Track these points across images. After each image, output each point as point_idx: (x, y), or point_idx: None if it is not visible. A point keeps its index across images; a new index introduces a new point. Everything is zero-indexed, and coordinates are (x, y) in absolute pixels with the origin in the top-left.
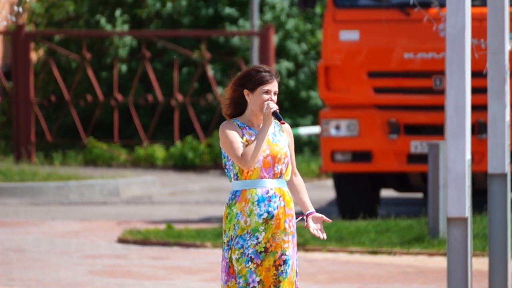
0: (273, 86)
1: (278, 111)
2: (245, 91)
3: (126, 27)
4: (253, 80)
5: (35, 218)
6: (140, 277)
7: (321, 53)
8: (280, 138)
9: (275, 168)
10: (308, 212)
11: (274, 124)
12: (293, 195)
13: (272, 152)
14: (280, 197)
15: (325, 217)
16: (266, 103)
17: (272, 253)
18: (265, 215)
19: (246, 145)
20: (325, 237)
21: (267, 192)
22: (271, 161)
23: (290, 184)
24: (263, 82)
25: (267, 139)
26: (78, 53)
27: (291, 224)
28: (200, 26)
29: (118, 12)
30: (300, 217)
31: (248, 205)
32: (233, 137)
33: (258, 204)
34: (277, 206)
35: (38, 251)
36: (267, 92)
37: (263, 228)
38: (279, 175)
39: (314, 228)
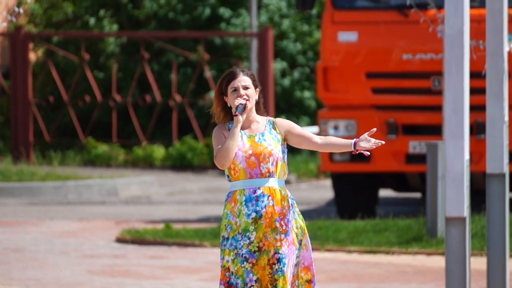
0: (240, 81)
1: (242, 104)
2: (225, 98)
3: (114, 27)
4: (223, 84)
5: (33, 218)
6: (138, 277)
7: (320, 54)
8: (268, 136)
9: (261, 168)
10: (353, 144)
11: (266, 123)
12: (333, 151)
13: (255, 152)
14: (269, 196)
15: (366, 134)
16: (234, 101)
17: (266, 252)
18: (253, 214)
19: None
20: (383, 142)
21: (255, 192)
22: (256, 161)
23: (321, 147)
24: (229, 80)
25: (252, 140)
26: (76, 54)
27: (283, 223)
28: (197, 26)
29: (102, 12)
30: (356, 152)
31: (237, 206)
32: (216, 140)
33: (245, 204)
34: (265, 206)
35: (36, 251)
36: (235, 89)
37: (253, 227)
38: (268, 174)
39: (369, 146)
